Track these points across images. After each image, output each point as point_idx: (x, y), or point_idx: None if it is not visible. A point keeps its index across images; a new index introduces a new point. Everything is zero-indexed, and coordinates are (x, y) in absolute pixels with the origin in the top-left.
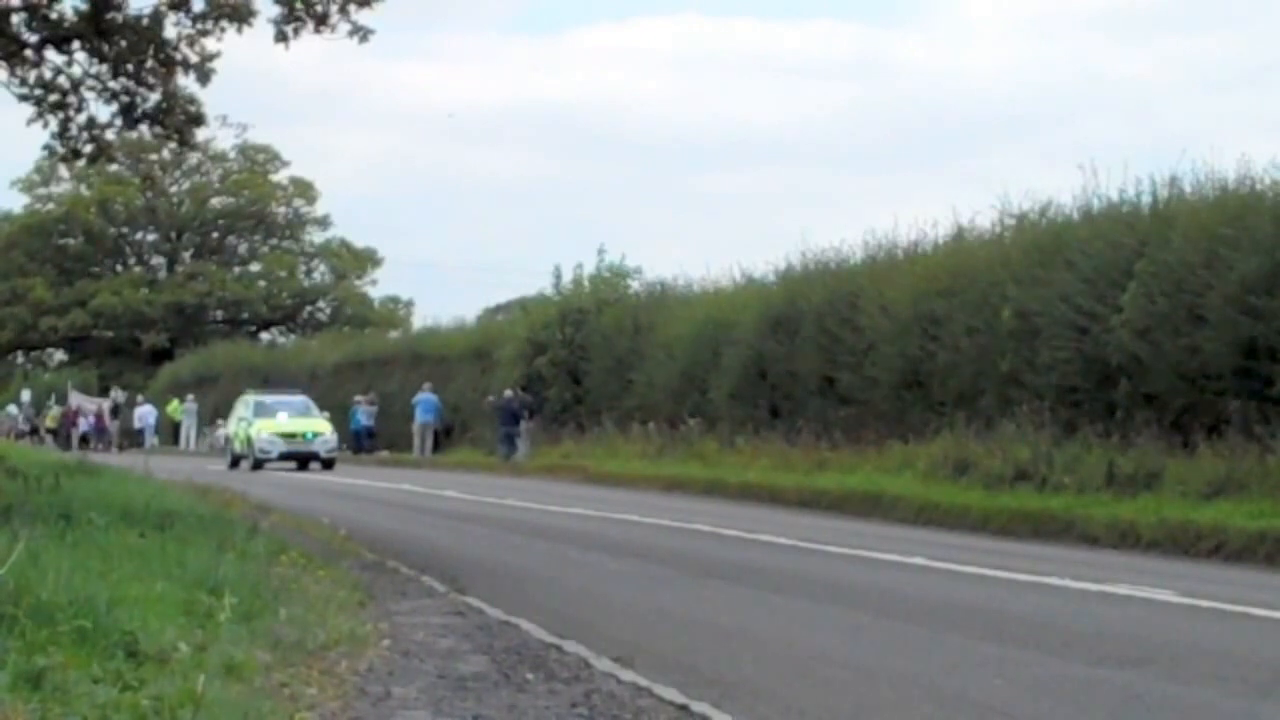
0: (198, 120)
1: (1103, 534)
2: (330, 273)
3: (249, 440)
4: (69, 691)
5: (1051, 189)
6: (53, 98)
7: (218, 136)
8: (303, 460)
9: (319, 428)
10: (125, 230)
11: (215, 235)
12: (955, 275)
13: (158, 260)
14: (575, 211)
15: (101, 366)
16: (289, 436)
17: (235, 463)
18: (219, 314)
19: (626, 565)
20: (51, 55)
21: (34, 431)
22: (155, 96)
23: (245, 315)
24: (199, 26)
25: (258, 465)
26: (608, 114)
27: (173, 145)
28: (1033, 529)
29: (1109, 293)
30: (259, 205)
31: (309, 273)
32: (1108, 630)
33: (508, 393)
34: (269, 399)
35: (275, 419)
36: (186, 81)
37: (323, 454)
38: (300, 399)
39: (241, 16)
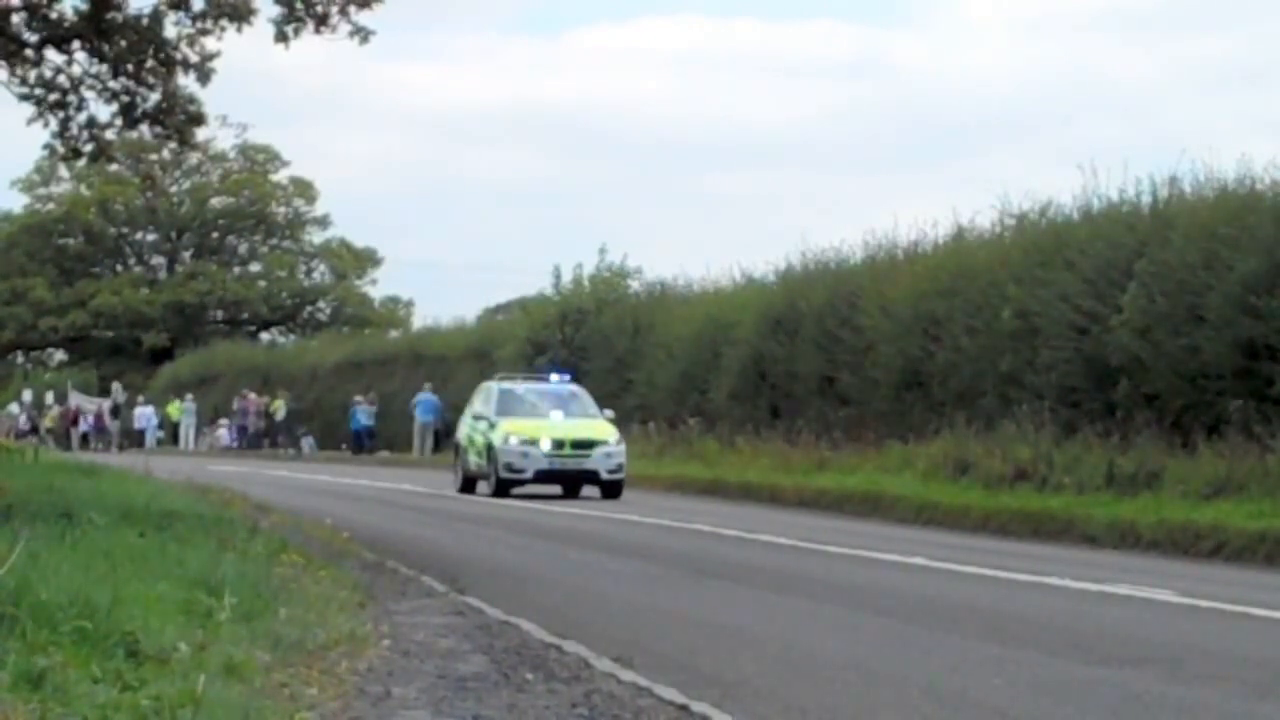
0: (198, 120)
1: (1103, 534)
2: (330, 273)
3: (489, 450)
4: (69, 691)
5: (1051, 189)
6: (53, 97)
7: (218, 136)
8: (572, 483)
9: (598, 432)
10: (125, 230)
11: (215, 235)
12: (955, 275)
13: (158, 260)
14: (575, 211)
15: (101, 366)
16: (554, 446)
17: (469, 484)
18: (219, 314)
19: (626, 565)
20: (51, 55)
21: (34, 431)
22: (155, 96)
23: (245, 315)
24: (199, 26)
25: (503, 489)
26: (608, 114)
27: (173, 145)
28: (1033, 529)
29: (1109, 293)
30: (259, 205)
31: (309, 273)
32: (1108, 630)
33: None
34: (522, 387)
35: (533, 418)
36: (186, 81)
37: (604, 473)
38: (569, 388)
39: (241, 16)
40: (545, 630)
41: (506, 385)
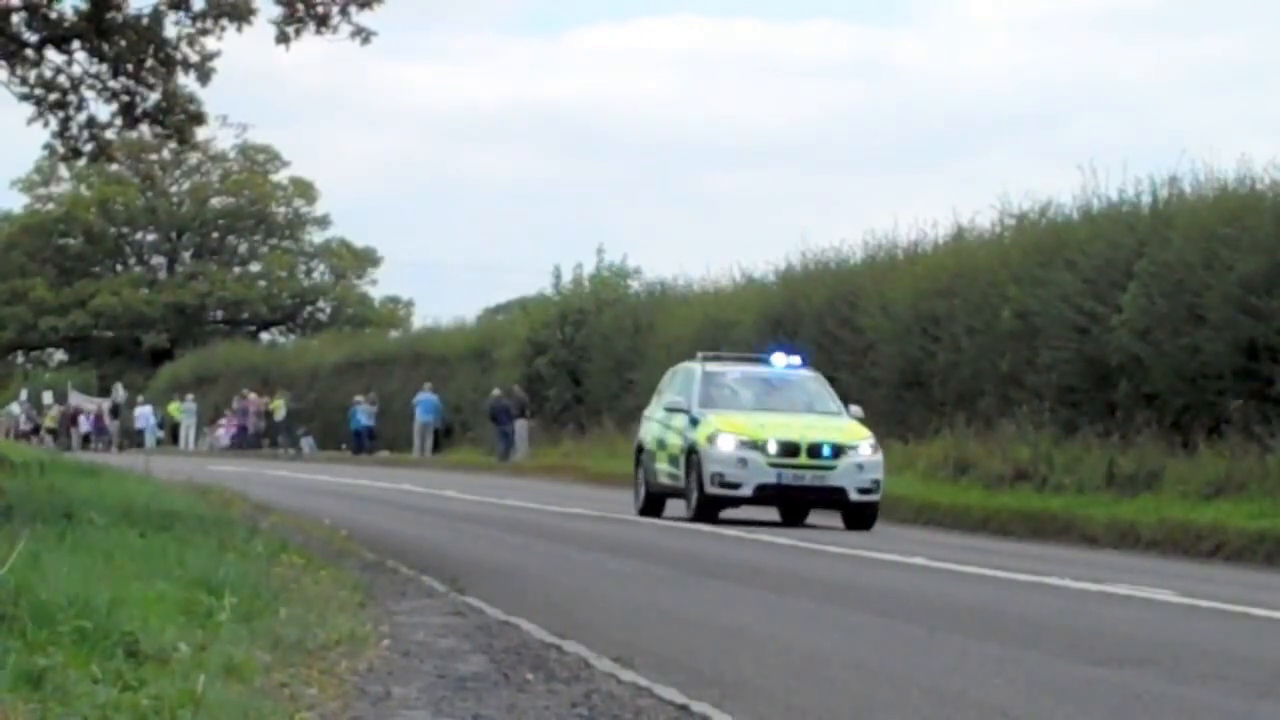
0: (198, 119)
1: (1103, 534)
2: (330, 273)
3: (689, 455)
4: (69, 691)
5: (1051, 189)
6: (53, 97)
7: (218, 136)
8: (803, 504)
9: (845, 434)
10: (125, 230)
11: (215, 235)
12: (955, 275)
13: (158, 260)
14: (575, 211)
15: (101, 366)
16: (784, 451)
17: (655, 503)
18: (219, 314)
19: (626, 565)
20: (51, 55)
21: (35, 431)
22: (155, 96)
23: (245, 315)
24: (199, 26)
25: (708, 510)
26: (608, 114)
27: (173, 145)
28: (1033, 529)
29: (1109, 293)
30: (259, 205)
31: (309, 273)
32: (1108, 630)
33: (496, 392)
34: (735, 371)
35: (751, 412)
36: (186, 81)
37: (853, 492)
38: (799, 373)
39: (241, 15)
40: (545, 630)
41: (714, 365)
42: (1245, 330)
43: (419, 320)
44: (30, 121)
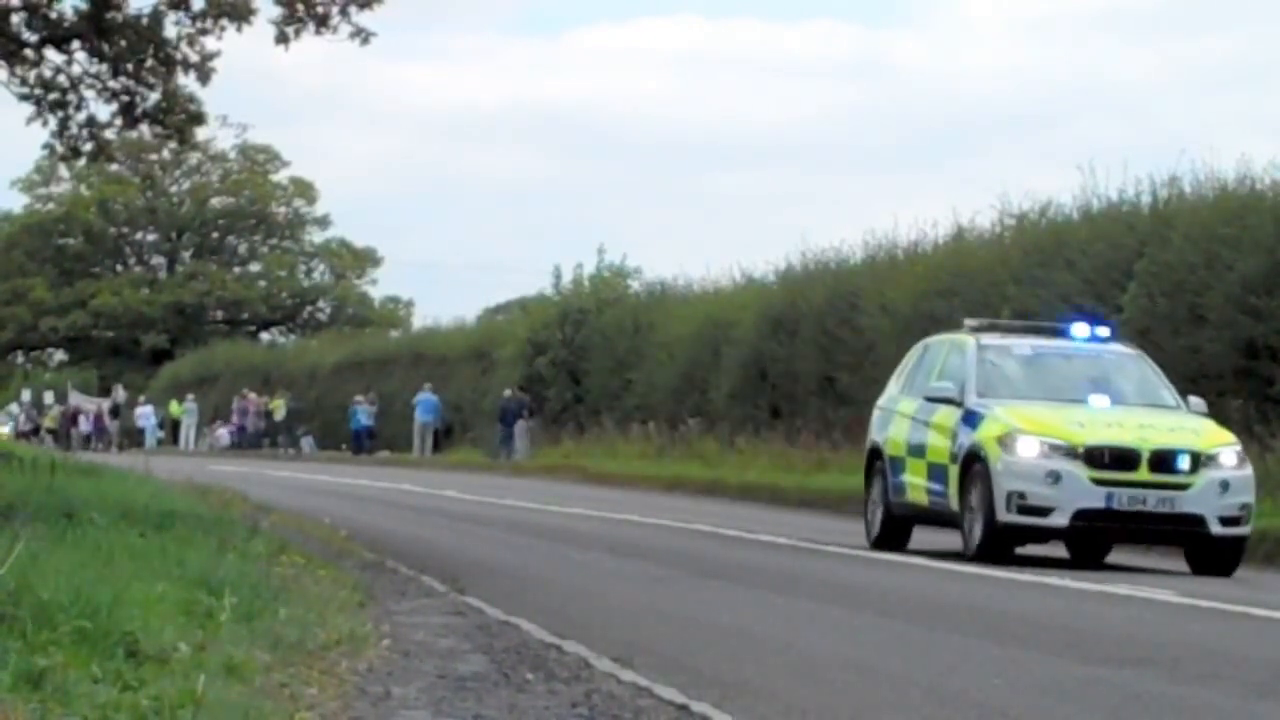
0: (198, 119)
1: None
2: (330, 272)
3: (972, 465)
4: (69, 691)
5: (1051, 189)
6: (52, 97)
7: (218, 136)
8: (1141, 535)
9: (1198, 438)
10: (125, 230)
11: (215, 235)
12: (955, 275)
13: (158, 260)
14: (575, 211)
15: (101, 366)
16: (1116, 461)
17: (897, 529)
18: (219, 314)
19: (626, 565)
20: (51, 54)
21: (35, 431)
22: (155, 96)
23: (245, 315)
24: (199, 26)
25: (999, 542)
26: (608, 114)
27: (173, 145)
28: None
29: (1109, 293)
30: (259, 205)
31: (309, 273)
32: (1108, 630)
33: (508, 392)
34: (1020, 345)
35: (1057, 405)
36: (186, 81)
37: (1214, 523)
38: (1112, 349)
39: (241, 15)
40: (545, 630)
41: (990, 340)
42: (1245, 330)
43: (419, 320)
44: (30, 121)
